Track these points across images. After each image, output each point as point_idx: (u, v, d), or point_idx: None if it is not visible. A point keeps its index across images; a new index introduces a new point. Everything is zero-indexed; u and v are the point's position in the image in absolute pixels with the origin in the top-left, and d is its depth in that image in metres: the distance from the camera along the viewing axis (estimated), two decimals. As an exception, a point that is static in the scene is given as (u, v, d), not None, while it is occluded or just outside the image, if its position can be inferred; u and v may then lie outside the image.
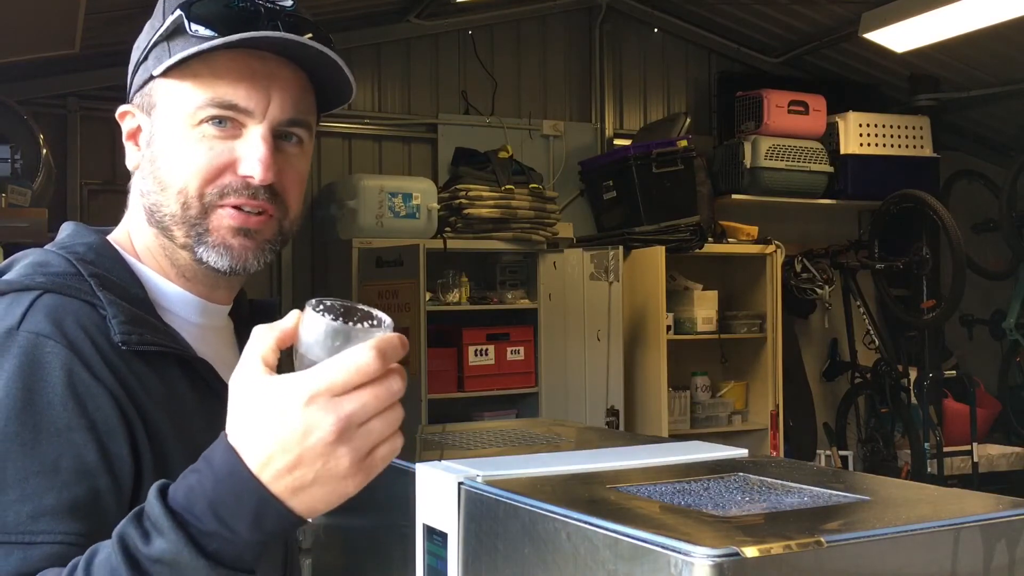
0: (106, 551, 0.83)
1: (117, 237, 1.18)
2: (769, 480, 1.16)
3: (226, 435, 0.83)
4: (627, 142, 5.56)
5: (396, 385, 0.82)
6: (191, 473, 0.84)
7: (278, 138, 1.12)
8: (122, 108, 1.17)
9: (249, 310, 1.29)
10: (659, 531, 0.89)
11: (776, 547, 0.85)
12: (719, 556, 0.83)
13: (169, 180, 1.10)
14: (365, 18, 5.11)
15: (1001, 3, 4.51)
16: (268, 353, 0.84)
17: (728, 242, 5.39)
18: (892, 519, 0.99)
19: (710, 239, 5.25)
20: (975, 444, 5.42)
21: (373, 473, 0.83)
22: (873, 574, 0.92)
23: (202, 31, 1.08)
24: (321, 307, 0.84)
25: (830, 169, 5.56)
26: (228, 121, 1.09)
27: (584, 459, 1.31)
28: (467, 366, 4.85)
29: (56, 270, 1.07)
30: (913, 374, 5.62)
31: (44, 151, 3.97)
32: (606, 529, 0.93)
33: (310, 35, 1.10)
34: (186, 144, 1.09)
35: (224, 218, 1.10)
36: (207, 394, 1.11)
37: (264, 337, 0.85)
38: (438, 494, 1.17)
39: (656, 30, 5.85)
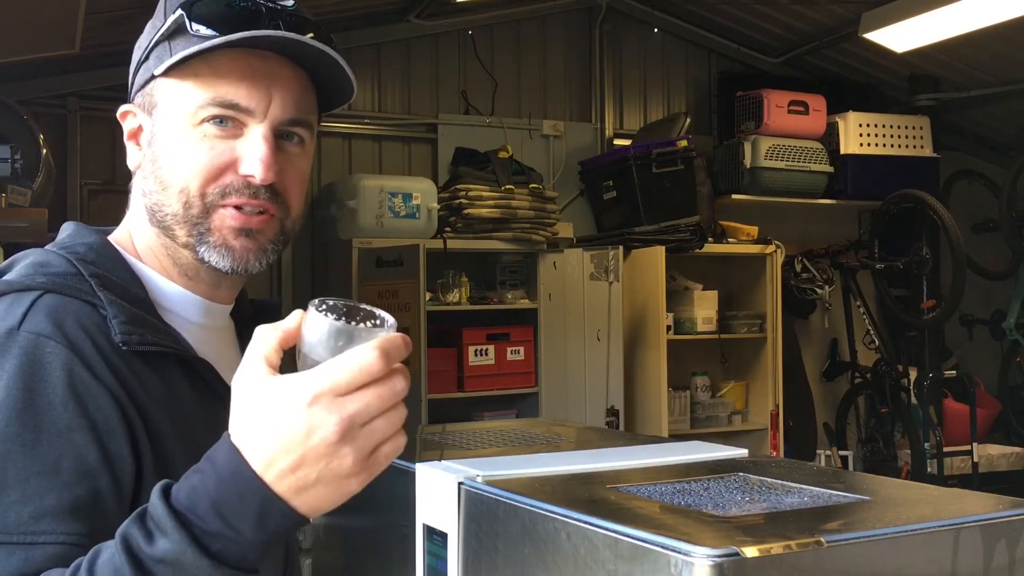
0: (109, 551, 0.83)
1: (118, 237, 1.18)
2: (769, 480, 1.16)
3: (229, 435, 0.83)
4: (627, 142, 5.55)
5: (399, 385, 0.82)
6: (194, 473, 0.84)
7: (279, 138, 1.12)
8: (123, 108, 1.17)
9: (251, 310, 1.29)
10: (659, 531, 0.89)
11: (776, 547, 0.85)
12: (719, 556, 0.83)
13: (170, 179, 1.10)
14: (365, 18, 5.11)
15: (1001, 3, 4.51)
16: (271, 353, 0.84)
17: (728, 242, 5.39)
18: (892, 519, 0.98)
19: (710, 239, 5.25)
20: (975, 444, 5.42)
21: (376, 472, 0.83)
22: (873, 574, 0.92)
23: (203, 30, 1.08)
24: (324, 307, 0.83)
25: (830, 169, 5.56)
26: (229, 120, 1.09)
27: (584, 459, 1.31)
28: (467, 366, 4.85)
29: (57, 270, 1.07)
30: (913, 374, 5.62)
31: (44, 151, 3.97)
32: (606, 529, 0.93)
33: (311, 34, 1.10)
34: (187, 143, 1.09)
35: (226, 218, 1.10)
36: (208, 394, 1.11)
37: (267, 337, 0.85)
38: (438, 494, 1.17)
39: (656, 30, 5.84)
